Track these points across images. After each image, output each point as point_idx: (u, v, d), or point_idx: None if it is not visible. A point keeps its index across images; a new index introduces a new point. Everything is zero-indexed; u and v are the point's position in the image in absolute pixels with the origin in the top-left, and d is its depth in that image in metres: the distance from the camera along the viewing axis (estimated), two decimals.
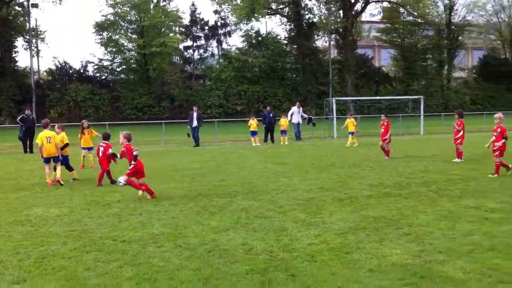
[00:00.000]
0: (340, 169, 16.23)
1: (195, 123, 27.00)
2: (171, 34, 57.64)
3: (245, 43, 62.10)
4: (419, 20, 63.41)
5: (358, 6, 64.19)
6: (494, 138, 14.13)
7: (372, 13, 74.99)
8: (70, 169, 15.21)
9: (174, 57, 61.29)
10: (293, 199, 11.11)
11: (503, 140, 13.90)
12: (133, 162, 11.40)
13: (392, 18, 64.38)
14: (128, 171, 11.46)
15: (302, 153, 22.27)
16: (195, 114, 27.20)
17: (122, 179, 12.06)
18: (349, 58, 60.69)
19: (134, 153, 11.45)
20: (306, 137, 31.10)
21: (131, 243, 7.84)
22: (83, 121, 19.16)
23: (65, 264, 6.86)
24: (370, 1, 64.56)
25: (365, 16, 71.06)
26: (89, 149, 18.46)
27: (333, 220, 9.01)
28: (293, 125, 30.87)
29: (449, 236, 7.78)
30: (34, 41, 55.04)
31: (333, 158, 18.78)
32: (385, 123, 19.81)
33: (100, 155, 14.07)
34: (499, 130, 14.02)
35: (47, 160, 14.36)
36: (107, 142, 14.23)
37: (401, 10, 64.71)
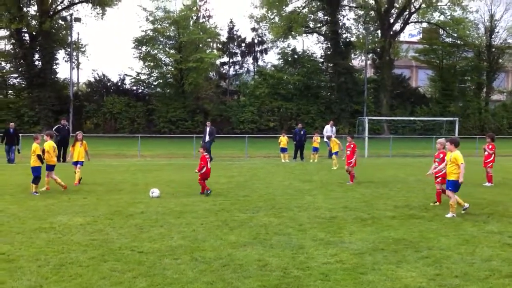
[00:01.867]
0: (367, 189, 16.06)
1: (207, 138, 27.49)
2: (208, 50, 58.39)
3: (281, 60, 62.39)
4: (458, 42, 62.64)
5: (397, 26, 63.99)
6: (437, 164, 13.08)
7: (411, 33, 74.53)
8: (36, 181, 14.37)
9: (210, 72, 61.95)
10: (315, 217, 11.05)
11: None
12: None
13: (431, 39, 63.72)
14: None
15: (330, 171, 22.14)
16: (207, 130, 27.87)
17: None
18: (385, 78, 60.32)
19: None
20: None
21: (148, 254, 7.96)
22: (77, 132, 17.63)
23: (82, 272, 7.00)
24: (409, 21, 64.19)
25: (403, 36, 70.64)
26: (80, 163, 16.79)
27: (352, 240, 8.95)
28: (325, 143, 30.76)
29: (467, 261, 7.64)
30: (75, 54, 56.50)
31: (361, 177, 18.56)
32: (352, 145, 18.18)
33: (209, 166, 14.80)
34: (441, 156, 12.95)
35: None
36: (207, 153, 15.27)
37: (441, 31, 64.08)
